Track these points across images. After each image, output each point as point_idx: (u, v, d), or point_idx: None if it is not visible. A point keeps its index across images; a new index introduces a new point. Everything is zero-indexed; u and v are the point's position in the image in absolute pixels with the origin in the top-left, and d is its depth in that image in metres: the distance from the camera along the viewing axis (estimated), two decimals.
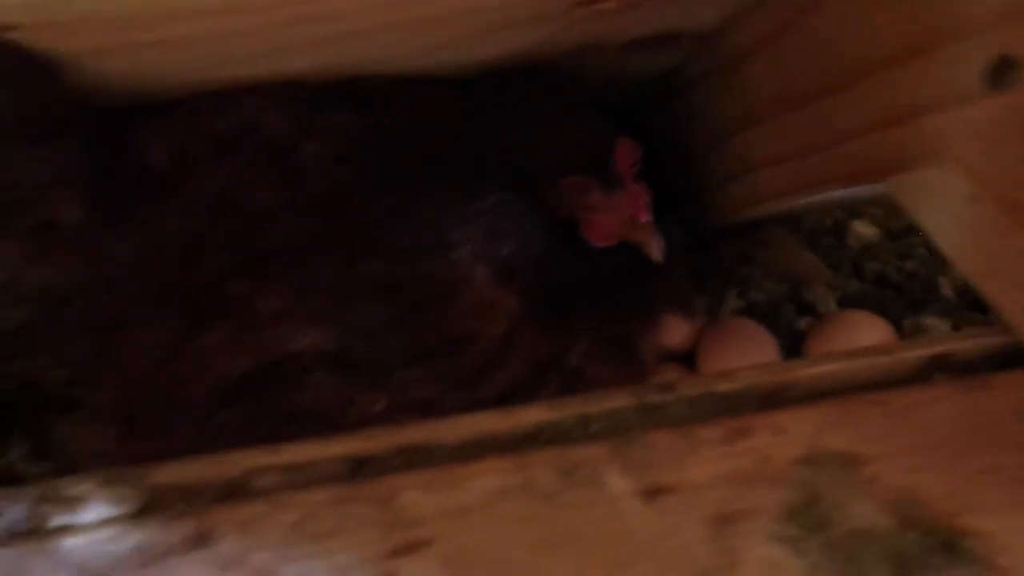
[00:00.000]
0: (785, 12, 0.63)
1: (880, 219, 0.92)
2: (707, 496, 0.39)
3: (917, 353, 0.46)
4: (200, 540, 0.38)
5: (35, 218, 0.59)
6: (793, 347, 0.81)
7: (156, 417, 0.66)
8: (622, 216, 0.66)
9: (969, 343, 0.46)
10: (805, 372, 0.45)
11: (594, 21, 0.65)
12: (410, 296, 0.66)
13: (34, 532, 0.38)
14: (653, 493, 0.39)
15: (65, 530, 0.38)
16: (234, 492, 0.40)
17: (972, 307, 0.83)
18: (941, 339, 0.47)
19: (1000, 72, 0.44)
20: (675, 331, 0.82)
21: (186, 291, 0.63)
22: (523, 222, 0.68)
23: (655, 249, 0.64)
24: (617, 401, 0.43)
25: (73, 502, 0.39)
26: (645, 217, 0.65)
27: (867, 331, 0.77)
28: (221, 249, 0.63)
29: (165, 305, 0.63)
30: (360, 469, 0.41)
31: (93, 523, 0.38)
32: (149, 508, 0.39)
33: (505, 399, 0.65)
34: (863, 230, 0.91)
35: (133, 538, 0.38)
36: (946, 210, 0.49)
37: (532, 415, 0.43)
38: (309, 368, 0.64)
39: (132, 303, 0.63)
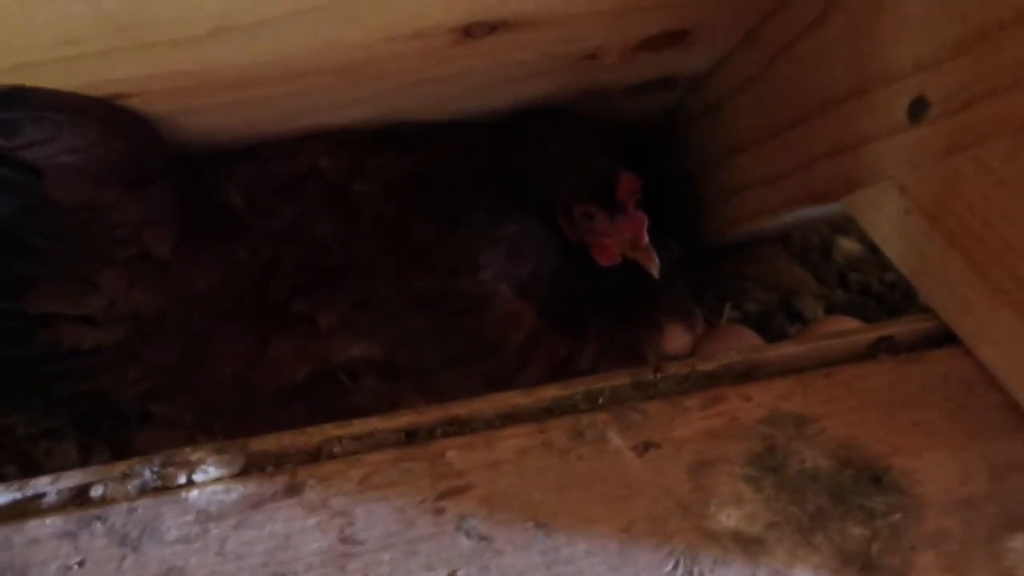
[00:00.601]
0: (761, 58, 0.74)
1: (863, 235, 1.01)
2: (687, 448, 0.49)
3: (864, 336, 0.56)
4: (292, 490, 0.48)
5: (134, 250, 0.71)
6: None
7: (229, 419, 0.77)
8: (624, 239, 0.76)
9: (908, 327, 0.56)
10: (772, 354, 0.55)
11: (600, 71, 0.77)
12: (446, 310, 0.76)
13: (163, 488, 0.49)
14: (645, 447, 0.49)
15: (187, 486, 0.49)
16: (315, 455, 0.51)
17: None
18: (885, 325, 0.56)
19: (918, 109, 0.54)
20: (677, 338, 0.91)
21: (258, 311, 0.74)
22: (540, 246, 0.80)
23: (654, 267, 0.74)
24: (618, 380, 0.54)
25: (191, 465, 0.50)
26: (644, 240, 0.74)
27: None
28: (287, 274, 0.74)
29: (240, 323, 0.74)
30: (413, 437, 0.52)
31: (208, 480, 0.49)
32: (249, 469, 0.50)
33: None
34: (848, 245, 1.01)
35: (239, 490, 0.49)
36: (887, 221, 0.59)
37: (549, 392, 0.53)
38: (358, 374, 0.75)
39: (212, 322, 0.74)
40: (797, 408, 0.51)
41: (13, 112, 0.58)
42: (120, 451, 0.90)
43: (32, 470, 0.88)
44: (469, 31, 0.62)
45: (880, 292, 0.97)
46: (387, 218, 0.77)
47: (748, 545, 0.44)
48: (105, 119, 0.63)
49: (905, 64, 0.55)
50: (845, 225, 1.03)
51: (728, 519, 0.45)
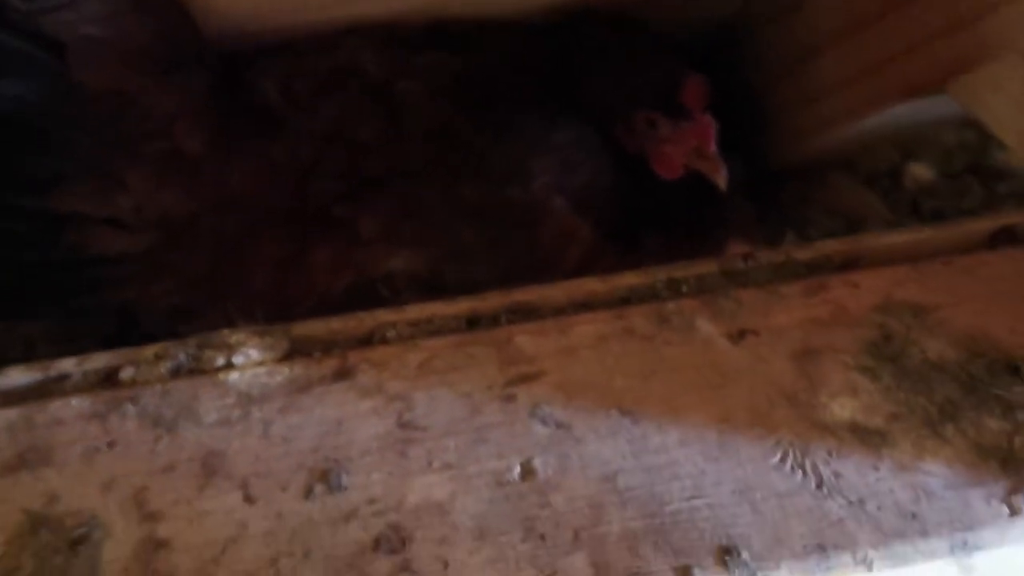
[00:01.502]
0: None
1: (937, 160, 0.94)
2: (790, 336, 0.43)
3: (982, 226, 0.49)
4: (342, 374, 0.43)
5: (164, 146, 0.66)
6: None
7: None
8: (689, 147, 0.70)
9: None
10: (878, 242, 0.49)
11: None
12: (496, 222, 0.71)
13: (199, 370, 0.44)
14: (740, 335, 0.43)
15: (225, 368, 0.44)
16: (367, 341, 0.45)
17: None
18: (1005, 215, 0.50)
19: None
20: None
21: (295, 215, 0.69)
22: (596, 155, 0.74)
23: (721, 178, 0.68)
24: (704, 268, 0.48)
25: (231, 347, 0.45)
26: (712, 148, 0.69)
27: None
28: (327, 177, 0.69)
29: (277, 228, 0.69)
30: (475, 324, 0.46)
31: (248, 363, 0.44)
32: (293, 353, 0.45)
33: None
34: (920, 171, 0.94)
35: (284, 373, 0.43)
36: (1007, 100, 0.52)
37: (626, 279, 0.47)
38: (399, 289, 0.70)
39: (246, 227, 0.69)
40: (914, 296, 0.45)
41: None
42: None
43: None
44: None
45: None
46: (434, 121, 0.72)
47: (868, 436, 0.38)
48: None
49: None
50: (916, 149, 0.96)
51: (842, 410, 0.40)
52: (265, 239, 0.69)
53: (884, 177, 0.96)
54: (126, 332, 0.92)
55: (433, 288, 0.70)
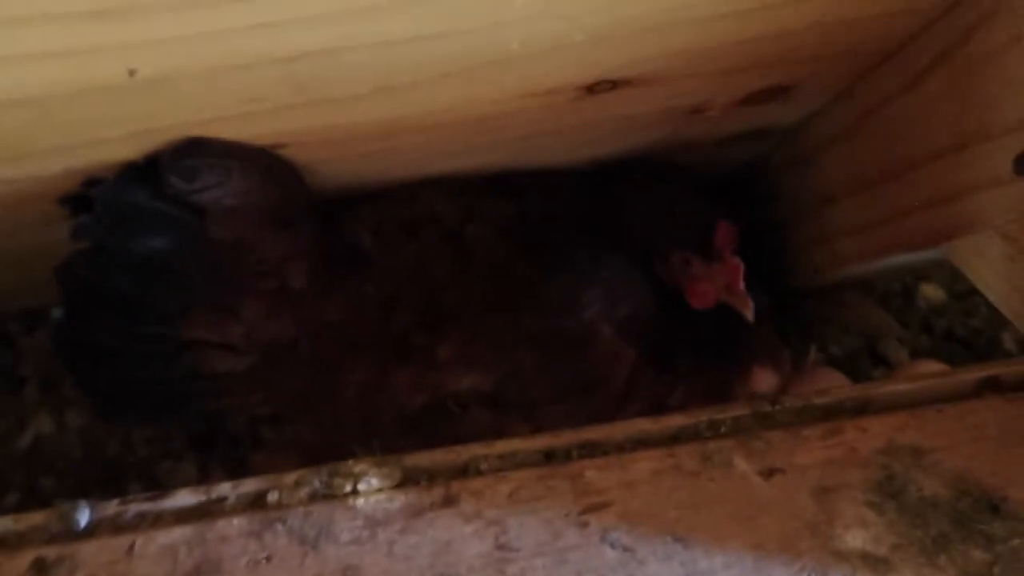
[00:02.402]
0: (856, 112, 0.79)
1: (946, 282, 1.04)
2: (811, 475, 0.53)
3: (970, 376, 0.59)
4: (448, 502, 0.54)
5: (275, 283, 0.78)
6: None
7: (349, 442, 0.82)
8: (720, 284, 0.81)
9: (1013, 368, 0.60)
10: (883, 390, 0.59)
11: (700, 123, 0.82)
12: (552, 347, 0.82)
13: (331, 495, 0.55)
14: (770, 472, 0.53)
15: (352, 494, 0.55)
16: (463, 471, 0.56)
17: None
18: (989, 365, 0.60)
19: (1023, 162, 0.58)
20: (766, 379, 0.95)
21: (381, 342, 0.80)
22: (638, 288, 0.85)
23: (749, 311, 0.78)
24: (738, 410, 0.58)
25: (355, 476, 0.55)
26: (740, 286, 0.79)
27: None
28: (408, 309, 0.81)
29: (365, 352, 0.80)
30: (551, 457, 0.57)
31: (370, 490, 0.55)
32: (406, 481, 0.55)
33: None
34: (931, 292, 1.04)
35: (401, 500, 0.54)
36: (989, 267, 0.63)
37: (675, 420, 0.58)
38: (467, 404, 0.81)
39: (339, 351, 0.81)
40: (912, 440, 0.55)
41: (193, 159, 0.65)
42: (234, 472, 0.96)
43: (155, 487, 0.95)
44: (593, 88, 0.68)
45: (965, 337, 0.99)
46: (497, 259, 0.83)
47: (876, 564, 0.48)
48: (266, 167, 0.70)
49: (1009, 121, 0.59)
50: (928, 272, 1.06)
51: (854, 540, 0.49)
52: (354, 362, 0.80)
53: (898, 297, 1.06)
54: (215, 433, 1.04)
55: (496, 403, 0.81)
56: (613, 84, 0.68)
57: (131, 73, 0.51)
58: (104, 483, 0.99)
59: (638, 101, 0.73)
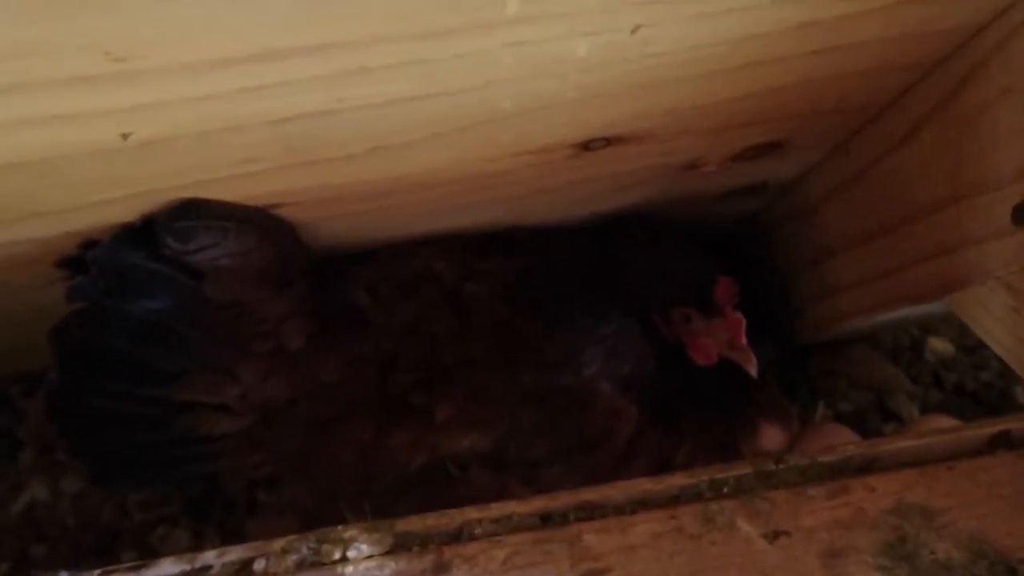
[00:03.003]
0: (853, 167, 0.79)
1: (954, 335, 1.03)
2: (817, 537, 0.51)
3: (981, 431, 0.57)
4: (440, 568, 0.52)
5: (272, 344, 0.77)
6: None
7: (346, 505, 0.80)
8: (722, 340, 0.79)
9: None
10: (891, 446, 0.57)
11: (696, 179, 0.82)
12: (553, 405, 0.80)
13: (319, 563, 0.53)
14: (775, 535, 0.51)
15: (341, 561, 0.53)
16: (457, 536, 0.54)
17: None
18: (1001, 420, 0.58)
19: (1022, 213, 0.58)
20: (773, 436, 0.93)
21: (378, 402, 0.79)
22: (638, 345, 0.84)
23: (752, 367, 0.77)
24: (741, 469, 0.56)
25: (345, 542, 0.54)
26: (742, 341, 0.78)
27: None
28: (406, 368, 0.80)
29: (362, 413, 0.79)
30: (548, 520, 0.55)
31: (360, 557, 0.53)
32: (397, 547, 0.54)
33: None
34: (939, 345, 1.03)
35: (391, 567, 0.52)
36: (993, 319, 0.62)
37: (676, 480, 0.56)
38: (466, 465, 0.79)
39: (336, 412, 0.79)
40: (922, 499, 0.52)
41: (190, 221, 0.65)
42: (229, 538, 0.94)
43: (149, 554, 0.93)
44: (587, 145, 0.68)
45: (976, 391, 0.97)
46: (496, 317, 0.83)
47: None
48: (263, 227, 0.70)
49: (1005, 172, 0.59)
50: (936, 326, 1.05)
51: None
52: (352, 422, 0.79)
53: (906, 351, 1.04)
54: (211, 498, 1.02)
55: (496, 463, 0.79)
56: (607, 141, 0.68)
57: (124, 137, 0.51)
58: (97, 551, 0.97)
59: (633, 158, 0.73)
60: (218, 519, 1.01)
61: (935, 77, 0.64)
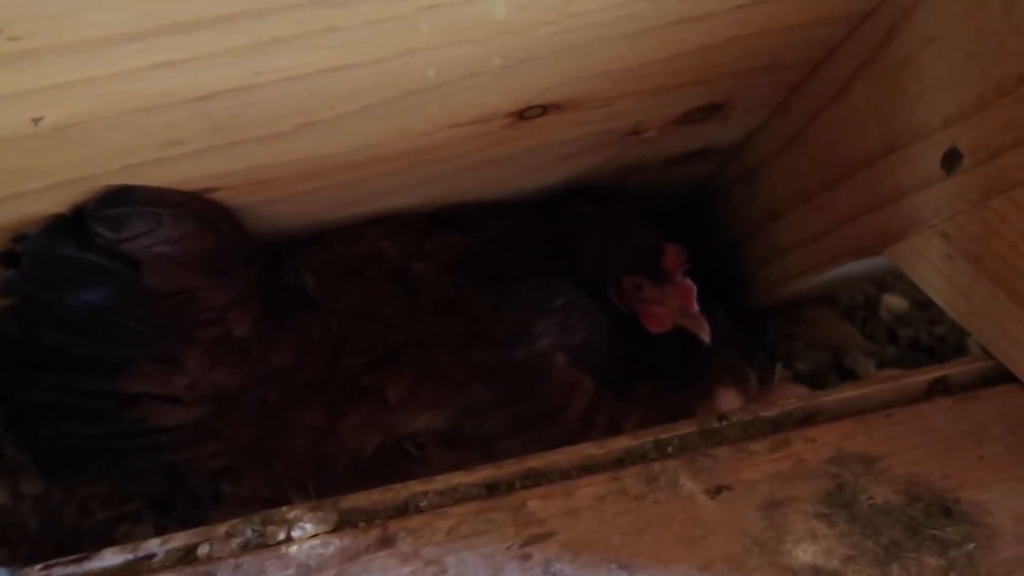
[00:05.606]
0: (793, 126, 0.79)
1: (908, 291, 1.04)
2: (759, 490, 0.51)
3: (919, 378, 0.58)
4: (384, 543, 0.51)
5: (217, 332, 0.76)
6: None
7: (302, 491, 0.79)
8: (673, 307, 0.79)
9: (962, 368, 0.58)
10: (831, 398, 0.57)
11: (640, 146, 0.82)
12: (507, 380, 0.80)
13: (264, 544, 0.52)
14: (717, 490, 0.51)
15: (286, 541, 0.52)
16: (403, 510, 0.54)
17: None
18: (938, 367, 0.59)
19: (951, 160, 0.58)
20: (729, 401, 0.93)
21: (330, 385, 0.78)
22: (591, 315, 0.84)
23: (705, 333, 0.77)
24: (685, 429, 0.56)
25: (289, 522, 0.53)
26: (694, 307, 0.78)
27: None
28: (356, 350, 0.79)
29: (314, 397, 0.78)
30: (494, 489, 0.54)
31: (305, 536, 0.52)
32: (342, 524, 0.53)
33: None
34: (894, 302, 1.03)
35: (336, 544, 0.52)
36: (931, 268, 0.62)
37: (620, 443, 0.56)
38: (424, 445, 0.78)
39: (287, 397, 0.79)
40: (861, 448, 0.53)
41: (120, 208, 0.64)
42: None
43: None
44: (522, 114, 0.68)
45: (931, 345, 0.98)
46: (445, 295, 0.82)
47: None
48: (199, 212, 0.69)
49: (934, 120, 0.59)
50: (889, 282, 1.05)
51: (805, 554, 0.47)
52: (303, 407, 0.78)
53: (861, 309, 1.05)
54: (173, 492, 1.01)
55: (453, 441, 0.79)
56: (543, 109, 0.68)
57: (35, 121, 0.50)
58: (59, 552, 0.95)
59: (572, 125, 0.73)
60: (181, 513, 1.00)
61: (863, 30, 0.64)
